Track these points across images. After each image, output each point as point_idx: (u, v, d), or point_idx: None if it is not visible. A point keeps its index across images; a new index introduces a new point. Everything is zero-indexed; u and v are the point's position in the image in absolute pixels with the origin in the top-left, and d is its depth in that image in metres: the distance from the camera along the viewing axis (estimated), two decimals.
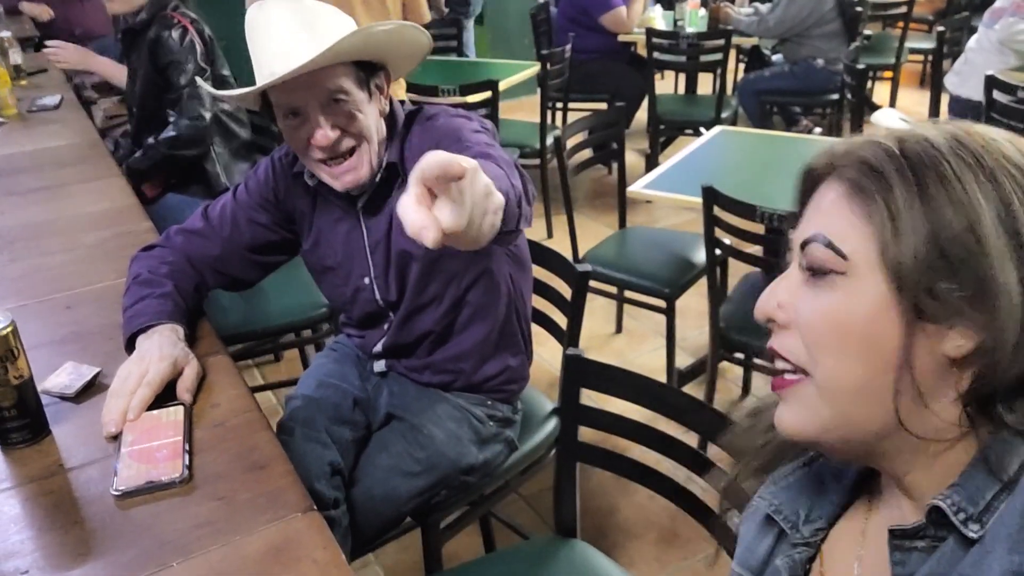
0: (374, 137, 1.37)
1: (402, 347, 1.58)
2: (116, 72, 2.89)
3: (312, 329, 2.41)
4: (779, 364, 0.64)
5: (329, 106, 1.31)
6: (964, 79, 3.56)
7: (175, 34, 2.41)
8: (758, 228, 2.08)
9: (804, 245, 0.62)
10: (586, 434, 1.46)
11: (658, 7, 4.94)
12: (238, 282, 1.58)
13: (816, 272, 0.61)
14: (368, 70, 1.36)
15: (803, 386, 0.63)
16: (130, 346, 1.29)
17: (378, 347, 1.60)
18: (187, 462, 1.08)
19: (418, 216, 0.65)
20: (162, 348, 1.25)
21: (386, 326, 1.57)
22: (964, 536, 0.56)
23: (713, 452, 1.27)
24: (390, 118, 1.44)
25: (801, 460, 0.74)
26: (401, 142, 1.44)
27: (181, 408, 1.18)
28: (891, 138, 0.61)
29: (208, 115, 2.46)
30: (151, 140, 2.48)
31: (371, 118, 1.36)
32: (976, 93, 3.37)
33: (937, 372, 0.58)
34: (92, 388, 1.26)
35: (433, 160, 0.64)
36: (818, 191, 0.64)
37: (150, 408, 1.17)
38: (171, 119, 2.46)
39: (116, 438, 1.13)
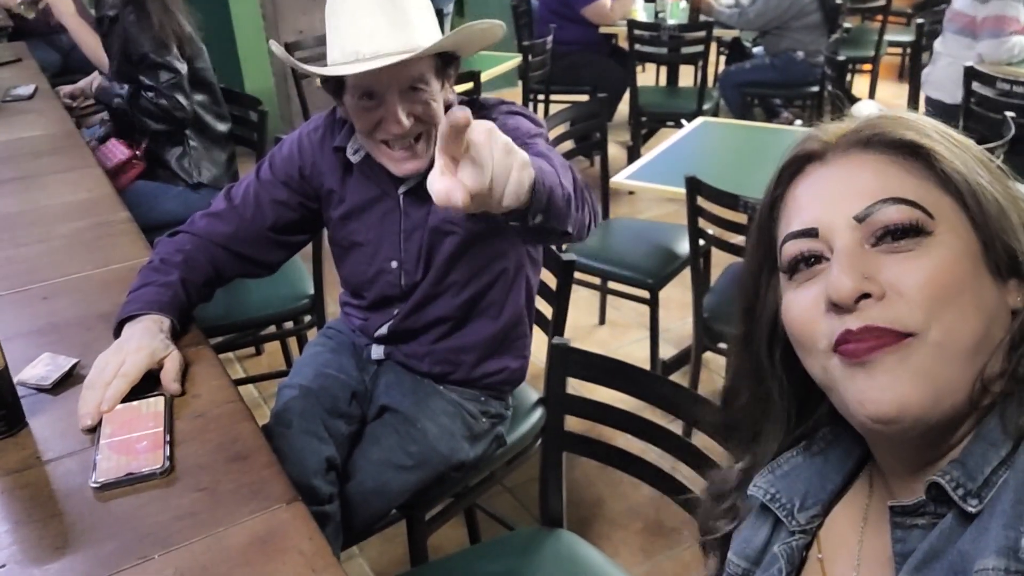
0: (438, 126, 1.35)
1: (407, 332, 1.56)
2: (80, 29, 2.83)
3: (294, 321, 2.38)
4: (872, 343, 0.58)
5: (407, 93, 1.30)
6: (930, 82, 3.61)
7: (145, 28, 2.36)
8: (741, 218, 2.08)
9: (866, 215, 0.60)
10: (572, 424, 1.46)
11: None
12: (261, 265, 1.56)
13: (896, 237, 0.59)
14: (445, 59, 1.36)
15: (909, 346, 0.57)
16: (118, 332, 1.28)
17: (382, 330, 1.58)
18: (168, 453, 1.06)
19: (443, 183, 0.70)
20: (140, 339, 1.23)
21: (396, 311, 1.56)
22: (963, 512, 0.56)
23: (699, 440, 1.27)
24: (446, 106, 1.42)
25: (795, 449, 0.73)
26: None
27: (161, 399, 1.16)
28: (889, 115, 0.63)
29: (188, 107, 2.44)
30: (131, 95, 2.44)
31: (440, 106, 1.35)
32: (946, 96, 3.41)
33: (1006, 328, 0.59)
34: (69, 379, 1.24)
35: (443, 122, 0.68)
36: (820, 172, 0.65)
37: (129, 399, 1.15)
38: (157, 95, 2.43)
39: (93, 430, 1.11)
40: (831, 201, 0.62)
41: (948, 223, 0.59)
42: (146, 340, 1.22)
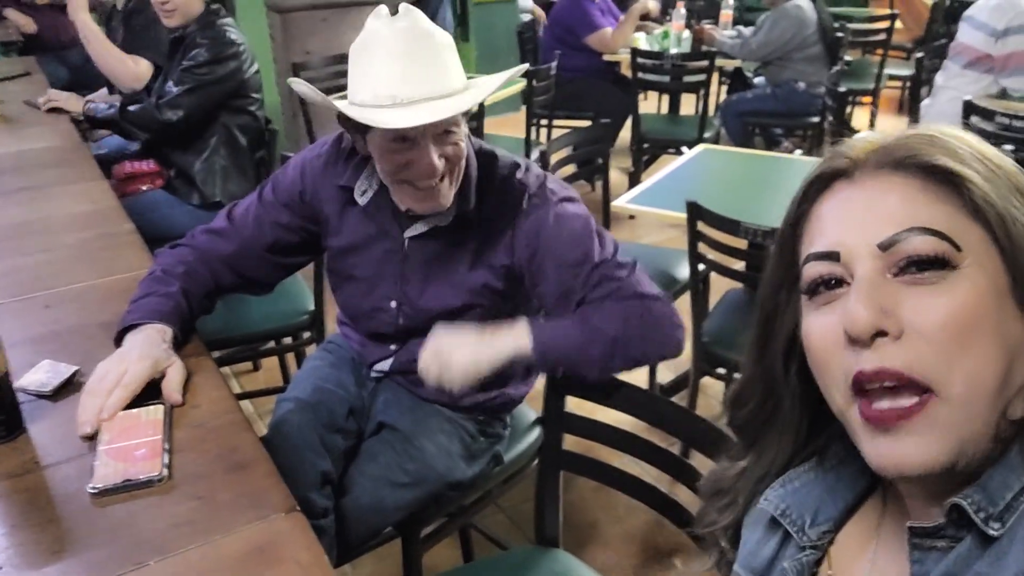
0: (462, 164, 1.35)
1: (407, 368, 1.55)
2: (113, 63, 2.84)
3: (293, 337, 2.39)
4: (888, 385, 0.56)
5: (440, 136, 1.29)
6: (930, 116, 3.62)
7: (215, 44, 2.42)
8: (741, 243, 2.10)
9: (891, 244, 0.58)
10: (569, 445, 1.46)
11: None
12: (257, 283, 1.56)
13: (920, 268, 0.57)
14: None
15: (934, 407, 0.55)
16: (120, 341, 1.28)
17: (383, 365, 1.58)
18: (166, 461, 1.06)
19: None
20: (143, 348, 1.23)
21: (392, 347, 1.56)
22: (984, 535, 0.55)
23: (697, 460, 1.27)
24: None
25: (807, 464, 0.73)
26: (478, 191, 1.39)
27: (161, 408, 1.17)
28: (923, 133, 0.62)
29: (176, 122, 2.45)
30: (121, 107, 2.48)
31: (467, 144, 1.35)
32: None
33: None
34: (69, 386, 1.24)
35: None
36: (846, 192, 0.63)
37: (129, 407, 1.16)
38: (156, 98, 2.45)
39: (92, 437, 1.11)
40: (855, 225, 0.60)
41: (975, 255, 0.57)
42: (148, 349, 1.23)
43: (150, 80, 2.80)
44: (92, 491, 1.01)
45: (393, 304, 1.49)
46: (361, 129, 1.31)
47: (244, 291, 1.57)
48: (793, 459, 0.74)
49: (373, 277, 1.49)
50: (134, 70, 2.82)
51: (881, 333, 0.56)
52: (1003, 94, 3.44)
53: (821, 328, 0.61)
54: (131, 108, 2.47)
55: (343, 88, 1.33)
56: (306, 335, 2.37)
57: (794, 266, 0.67)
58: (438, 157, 1.28)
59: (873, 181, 0.61)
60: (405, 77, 1.22)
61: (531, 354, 1.32)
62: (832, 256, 0.61)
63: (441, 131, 1.28)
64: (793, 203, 0.67)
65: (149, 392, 1.20)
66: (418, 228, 1.43)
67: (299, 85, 1.34)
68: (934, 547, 0.59)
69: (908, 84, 5.36)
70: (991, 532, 0.55)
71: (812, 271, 0.62)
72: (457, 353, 1.30)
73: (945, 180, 0.59)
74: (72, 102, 2.80)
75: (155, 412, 1.16)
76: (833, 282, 0.61)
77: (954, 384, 0.55)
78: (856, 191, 0.62)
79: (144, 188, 2.58)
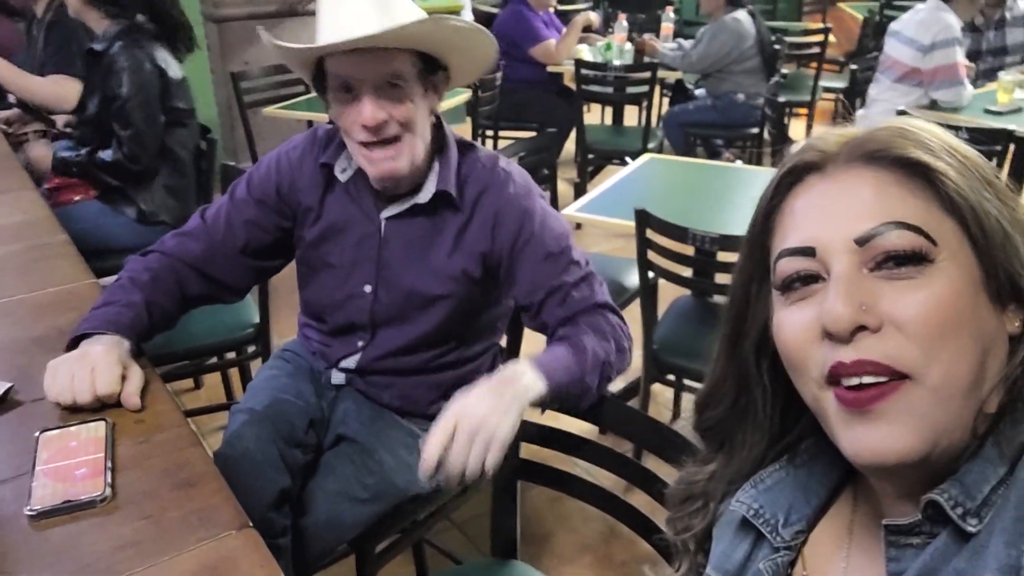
0: (419, 133, 1.33)
1: (373, 368, 1.53)
2: (28, 84, 2.75)
3: (237, 351, 2.32)
4: (866, 379, 0.56)
5: (383, 88, 1.28)
6: (863, 126, 3.74)
7: (134, 67, 2.33)
8: (689, 250, 2.11)
9: (867, 239, 0.57)
10: (524, 454, 1.44)
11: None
12: (229, 289, 1.50)
13: (897, 263, 0.57)
14: (430, 66, 1.33)
15: (908, 391, 0.55)
16: (72, 347, 1.23)
17: (348, 362, 1.54)
18: (109, 480, 1.01)
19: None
20: (108, 355, 1.18)
21: (360, 343, 1.52)
22: (960, 530, 0.55)
23: (650, 463, 1.27)
24: (439, 133, 1.40)
25: (778, 463, 0.72)
26: (457, 175, 1.39)
27: (102, 424, 1.11)
28: (894, 126, 0.62)
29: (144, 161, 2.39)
30: (88, 154, 2.41)
31: (421, 112, 1.33)
32: None
33: (1004, 356, 0.58)
34: (3, 404, 1.17)
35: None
36: (819, 186, 0.62)
37: (69, 424, 1.10)
38: (117, 145, 2.37)
39: (36, 455, 1.05)
40: (830, 219, 0.60)
41: (950, 249, 0.57)
42: (112, 356, 1.19)
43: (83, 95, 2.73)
44: (30, 514, 0.95)
45: (368, 289, 1.46)
46: (323, 89, 1.34)
47: (213, 299, 1.51)
48: (765, 457, 0.73)
49: (350, 263, 1.47)
50: (60, 93, 2.75)
51: (860, 328, 0.56)
52: (933, 105, 3.57)
53: (796, 323, 0.61)
54: (102, 158, 2.39)
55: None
56: (251, 349, 2.30)
57: (765, 261, 0.66)
58: (380, 109, 1.28)
59: (846, 174, 0.61)
60: (350, 22, 1.23)
61: (545, 396, 1.21)
62: (807, 251, 0.60)
63: (384, 83, 1.28)
64: (764, 197, 0.67)
65: (90, 409, 1.14)
66: (396, 208, 1.42)
67: (265, 35, 1.33)
68: (909, 544, 0.59)
69: (842, 96, 5.54)
70: (969, 529, 0.54)
71: (787, 267, 0.62)
72: (496, 422, 1.13)
73: (918, 173, 0.59)
74: (43, 154, 2.63)
75: (96, 429, 1.10)
76: (808, 278, 0.61)
77: (931, 374, 0.55)
78: (829, 185, 0.62)
79: (77, 199, 2.48)
